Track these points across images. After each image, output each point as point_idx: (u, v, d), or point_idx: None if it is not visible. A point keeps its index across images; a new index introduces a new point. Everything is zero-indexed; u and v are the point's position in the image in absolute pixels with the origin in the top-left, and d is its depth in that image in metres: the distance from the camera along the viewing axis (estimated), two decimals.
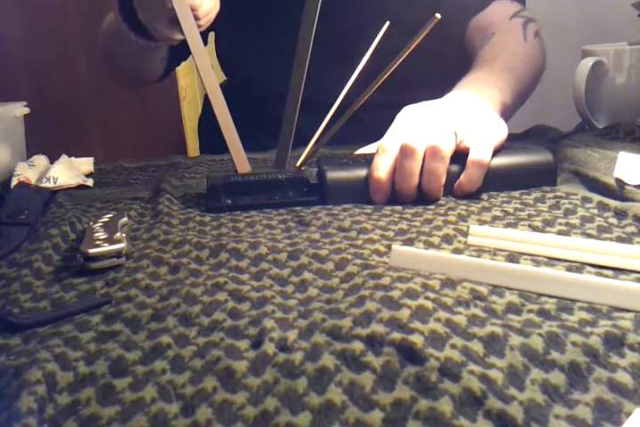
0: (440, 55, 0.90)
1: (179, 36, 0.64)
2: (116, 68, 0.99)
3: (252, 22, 0.93)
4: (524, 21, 0.82)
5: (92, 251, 0.42)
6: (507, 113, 0.69)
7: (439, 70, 0.89)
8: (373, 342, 0.30)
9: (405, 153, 0.53)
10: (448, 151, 0.52)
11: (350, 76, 0.56)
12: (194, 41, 0.56)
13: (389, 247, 0.43)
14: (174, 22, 0.60)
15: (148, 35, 0.68)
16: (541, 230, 0.45)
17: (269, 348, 0.30)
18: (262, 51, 0.91)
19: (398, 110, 0.60)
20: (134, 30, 0.69)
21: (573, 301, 0.34)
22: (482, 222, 0.48)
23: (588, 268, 0.39)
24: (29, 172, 0.69)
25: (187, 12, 0.56)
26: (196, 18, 0.60)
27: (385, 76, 0.55)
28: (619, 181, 0.52)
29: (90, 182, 0.70)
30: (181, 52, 0.85)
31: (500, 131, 0.56)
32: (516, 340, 0.30)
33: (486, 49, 0.79)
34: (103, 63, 1.00)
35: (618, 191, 0.51)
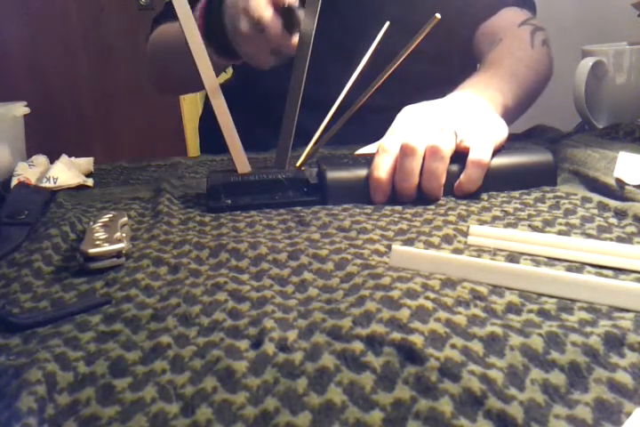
0: (444, 59, 0.90)
1: (275, 63, 0.67)
2: (169, 78, 1.00)
3: None
4: (532, 29, 0.82)
5: (91, 251, 0.42)
6: (508, 116, 0.69)
7: (443, 74, 0.89)
8: (373, 342, 0.30)
9: (405, 153, 0.53)
10: (448, 151, 0.52)
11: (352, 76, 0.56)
12: (194, 41, 0.56)
13: (389, 247, 0.43)
14: (275, 53, 0.64)
15: (230, 55, 0.70)
16: (541, 230, 0.45)
17: (269, 348, 0.30)
18: None
19: None
20: (223, 56, 0.71)
21: (573, 301, 0.34)
22: (482, 222, 0.48)
23: (588, 268, 0.39)
24: (29, 172, 0.69)
25: (186, 11, 0.56)
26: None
27: (385, 77, 0.55)
28: (619, 181, 0.52)
29: (90, 182, 0.70)
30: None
31: (501, 131, 0.56)
32: (516, 340, 0.30)
33: (492, 53, 0.79)
34: (151, 71, 1.01)
35: (618, 191, 0.51)
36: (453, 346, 0.29)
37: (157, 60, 0.96)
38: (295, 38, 0.62)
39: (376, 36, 0.57)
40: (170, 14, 0.94)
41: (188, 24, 0.56)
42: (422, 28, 0.52)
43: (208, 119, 0.98)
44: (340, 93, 0.57)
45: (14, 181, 0.65)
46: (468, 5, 0.86)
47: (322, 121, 0.57)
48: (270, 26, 0.61)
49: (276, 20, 0.62)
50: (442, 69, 0.90)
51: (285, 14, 0.62)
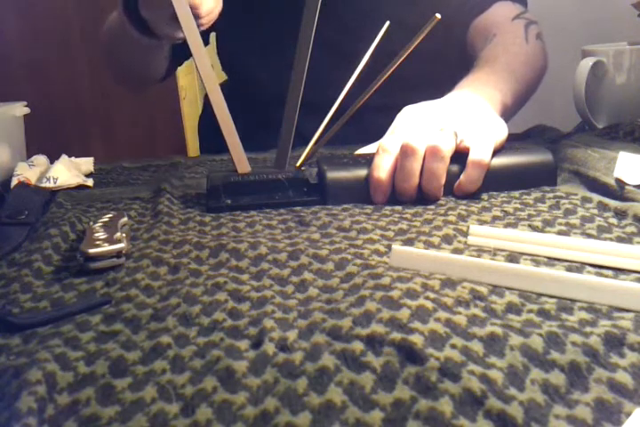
0: (442, 57, 0.90)
1: (181, 35, 0.64)
2: (119, 68, 0.99)
3: (252, 22, 0.93)
4: (525, 23, 0.82)
5: (91, 251, 0.42)
6: (506, 114, 0.69)
7: (441, 73, 0.89)
8: (373, 342, 0.30)
9: (406, 153, 0.53)
10: (448, 151, 0.52)
11: (351, 77, 0.56)
12: (194, 40, 0.56)
13: (389, 247, 0.43)
14: (176, 20, 0.59)
15: (151, 33, 0.69)
16: (541, 230, 0.45)
17: (269, 348, 0.30)
18: (263, 51, 0.91)
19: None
20: (138, 29, 0.70)
21: (573, 301, 0.34)
22: (482, 222, 0.48)
23: (588, 268, 0.39)
24: (29, 172, 0.69)
25: (186, 11, 0.56)
26: (198, 17, 0.61)
27: (385, 77, 0.55)
28: (619, 181, 0.52)
29: (90, 182, 0.70)
30: (183, 50, 0.86)
31: (500, 131, 0.56)
32: (515, 340, 0.30)
33: (487, 50, 0.79)
34: (105, 63, 1.00)
35: (618, 191, 0.51)
36: (453, 346, 0.29)
37: (108, 51, 0.95)
38: (201, 4, 0.61)
39: (374, 37, 0.57)
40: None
41: (189, 24, 0.56)
42: (422, 28, 0.52)
43: (208, 119, 0.98)
44: (338, 95, 0.57)
45: (14, 181, 0.65)
46: (461, 3, 0.86)
47: (320, 124, 0.57)
48: None
49: None
50: (440, 69, 0.90)
51: None
